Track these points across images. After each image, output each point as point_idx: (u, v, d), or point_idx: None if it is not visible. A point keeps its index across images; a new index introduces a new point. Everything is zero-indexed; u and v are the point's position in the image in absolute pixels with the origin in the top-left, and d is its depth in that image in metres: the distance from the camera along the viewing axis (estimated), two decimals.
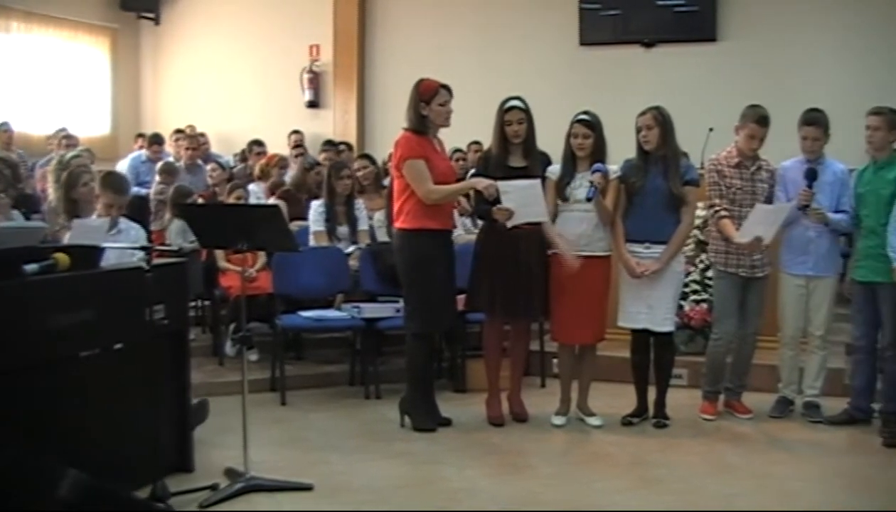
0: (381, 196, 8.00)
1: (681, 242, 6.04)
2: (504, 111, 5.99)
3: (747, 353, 6.38)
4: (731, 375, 6.42)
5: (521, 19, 12.00)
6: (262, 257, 7.51)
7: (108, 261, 5.04)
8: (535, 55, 11.77)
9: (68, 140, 10.20)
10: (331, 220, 7.57)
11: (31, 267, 4.20)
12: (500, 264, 5.98)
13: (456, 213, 6.38)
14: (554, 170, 6.03)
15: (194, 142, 10.84)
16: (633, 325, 6.10)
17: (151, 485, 4.46)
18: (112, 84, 13.57)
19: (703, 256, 7.13)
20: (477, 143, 9.72)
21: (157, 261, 4.78)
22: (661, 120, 5.93)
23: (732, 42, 11.08)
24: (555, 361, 6.73)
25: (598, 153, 5.95)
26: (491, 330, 6.28)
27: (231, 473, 4.94)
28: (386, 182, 8.13)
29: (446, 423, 6.09)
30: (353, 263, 7.28)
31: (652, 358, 6.19)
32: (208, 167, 9.95)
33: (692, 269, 7.21)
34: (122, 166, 10.85)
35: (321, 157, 10.10)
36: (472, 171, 6.61)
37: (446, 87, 5.87)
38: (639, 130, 5.98)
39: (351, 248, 7.43)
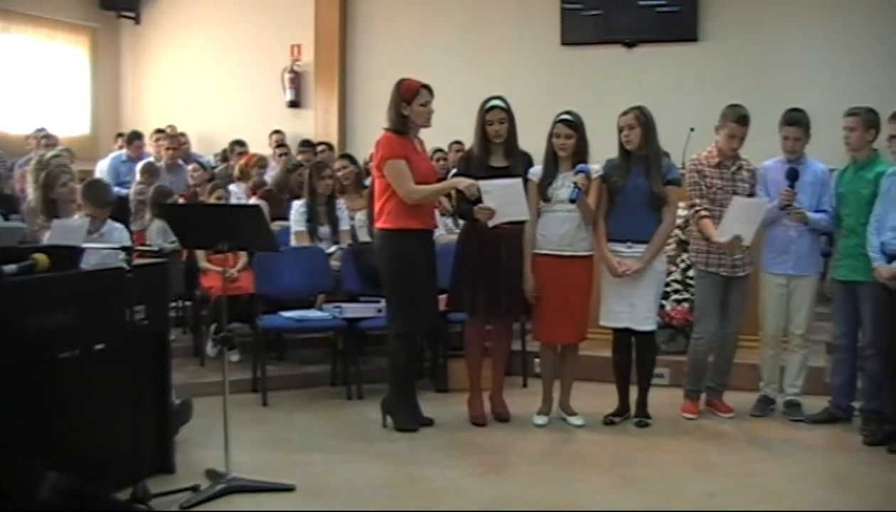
0: (363, 196, 7.98)
1: (662, 242, 6.05)
2: (485, 111, 5.99)
3: (729, 352, 6.40)
4: (712, 374, 6.43)
5: (503, 19, 12.00)
6: (243, 257, 7.48)
7: (90, 262, 5.01)
8: (517, 55, 11.77)
9: (48, 140, 10.13)
10: (312, 220, 7.55)
11: (9, 267, 4.19)
12: (481, 264, 5.98)
13: (437, 212, 6.37)
14: (536, 171, 6.03)
15: (175, 142, 10.80)
16: (614, 324, 6.11)
17: (132, 486, 4.44)
18: (92, 83, 13.49)
19: (685, 256, 7.16)
20: (458, 142, 9.72)
21: (137, 261, 4.76)
22: (643, 120, 5.94)
23: (713, 42, 11.11)
24: (536, 360, 6.72)
25: (581, 153, 5.96)
26: (472, 330, 6.28)
27: (212, 475, 4.92)
28: (367, 182, 8.11)
29: (428, 423, 6.08)
30: (334, 263, 7.27)
31: (634, 357, 6.20)
32: (189, 167, 9.93)
33: (673, 268, 7.23)
34: (102, 166, 10.85)
35: (299, 158, 10.06)
36: (454, 170, 6.61)
37: (427, 88, 5.86)
38: (621, 130, 5.99)
39: (332, 249, 7.42)
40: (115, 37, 13.92)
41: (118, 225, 6.38)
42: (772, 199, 6.12)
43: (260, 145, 11.25)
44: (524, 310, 6.20)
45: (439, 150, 9.84)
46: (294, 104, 13.02)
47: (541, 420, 6.17)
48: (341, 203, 7.79)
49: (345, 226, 7.68)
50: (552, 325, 6.07)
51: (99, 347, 4.64)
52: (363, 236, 7.53)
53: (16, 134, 11.57)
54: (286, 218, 7.83)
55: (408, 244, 5.81)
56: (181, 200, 8.45)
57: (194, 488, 4.72)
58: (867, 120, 5.92)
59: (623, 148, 6.01)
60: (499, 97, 6.02)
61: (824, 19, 10.71)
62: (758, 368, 6.53)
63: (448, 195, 6.47)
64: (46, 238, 5.66)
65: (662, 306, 6.92)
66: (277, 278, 6.91)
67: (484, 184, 5.76)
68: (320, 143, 11.39)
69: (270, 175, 9.66)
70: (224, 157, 11.46)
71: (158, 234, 7.66)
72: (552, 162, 6.00)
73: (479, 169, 5.94)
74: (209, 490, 4.73)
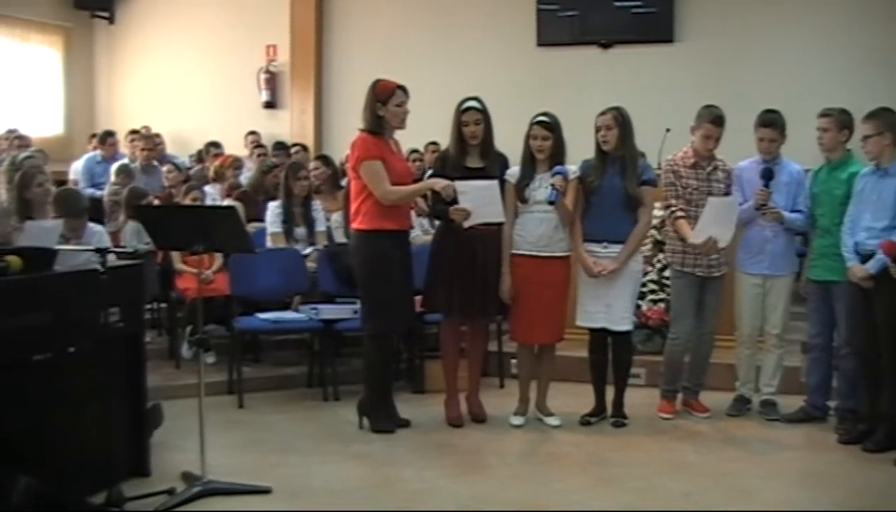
0: (337, 197, 7.96)
1: (638, 242, 6.06)
2: (461, 112, 5.99)
3: (705, 352, 6.42)
4: (688, 374, 6.45)
5: (479, 20, 11.99)
6: (218, 259, 7.45)
7: (71, 265, 4.98)
8: (493, 56, 11.76)
9: (20, 141, 10.06)
10: (288, 221, 7.54)
11: None
12: (456, 265, 5.97)
13: (413, 213, 6.36)
14: (513, 172, 6.03)
15: (150, 142, 10.73)
16: (591, 324, 6.11)
17: (107, 490, 4.41)
18: (65, 84, 13.38)
19: (661, 256, 7.17)
20: (434, 143, 9.72)
21: (111, 263, 4.73)
22: (620, 121, 5.95)
23: (689, 43, 11.14)
24: (513, 361, 6.73)
25: (558, 155, 5.97)
26: (448, 330, 6.28)
27: (188, 477, 4.89)
28: (343, 183, 8.10)
29: (405, 424, 6.08)
30: (310, 264, 7.26)
31: (610, 357, 6.21)
32: (164, 169, 9.87)
33: (650, 268, 7.25)
34: (77, 167, 10.77)
35: (273, 160, 10.02)
36: (430, 171, 6.61)
37: (403, 88, 5.85)
38: (598, 130, 6.00)
39: (308, 250, 7.41)
40: (89, 37, 13.81)
41: (98, 228, 6.36)
42: (747, 199, 6.15)
43: (235, 146, 11.20)
44: (500, 310, 6.21)
45: (415, 151, 9.83)
46: (270, 105, 12.96)
47: (517, 421, 6.17)
48: (317, 204, 7.78)
49: (321, 227, 7.67)
50: (529, 325, 6.07)
51: (73, 349, 4.60)
52: (339, 237, 7.51)
53: None
54: (262, 219, 7.82)
55: (383, 245, 5.80)
56: (156, 202, 8.41)
57: (170, 491, 4.69)
58: (840, 121, 5.95)
59: (599, 148, 6.01)
60: (475, 98, 6.02)
61: (799, 21, 10.76)
62: (734, 368, 6.56)
63: (424, 196, 6.46)
64: (20, 240, 5.61)
65: (639, 306, 6.93)
66: (253, 280, 6.88)
67: (460, 185, 5.76)
68: (294, 145, 11.37)
69: (246, 176, 9.62)
70: (199, 158, 11.41)
71: (133, 236, 7.61)
72: (529, 163, 6.00)
73: (454, 170, 5.93)
74: (185, 493, 4.70)
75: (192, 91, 13.10)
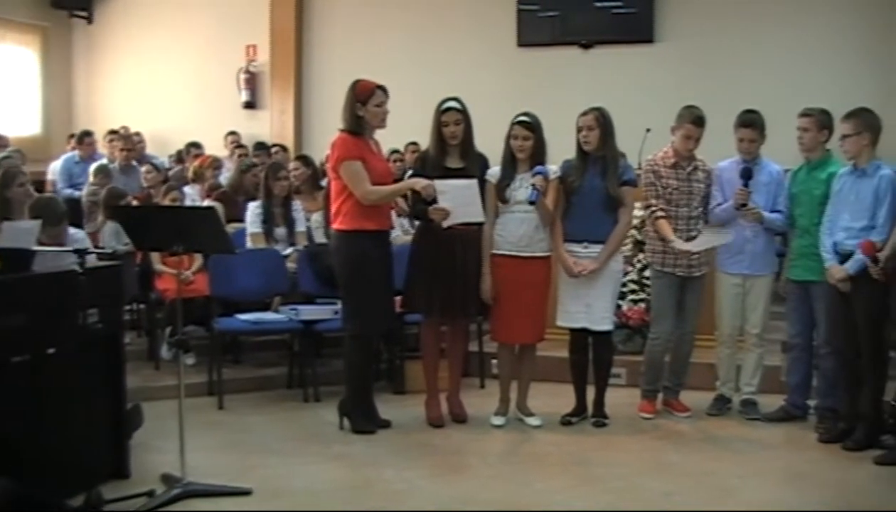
0: (318, 197, 7.95)
1: (618, 242, 6.07)
2: (441, 112, 5.98)
3: (685, 351, 6.44)
4: (669, 374, 6.47)
5: (460, 20, 11.99)
6: (198, 259, 7.42)
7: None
8: (474, 56, 11.75)
9: None
10: (268, 221, 7.52)
11: None
12: (437, 265, 5.97)
13: (394, 213, 6.36)
14: (493, 172, 6.03)
15: (129, 142, 10.69)
16: (571, 324, 6.11)
17: (86, 492, 4.39)
18: (43, 84, 13.29)
19: (641, 256, 7.18)
20: (414, 143, 9.71)
21: (90, 264, 4.71)
22: (602, 121, 5.96)
23: (669, 43, 11.17)
24: (494, 361, 6.72)
25: (538, 155, 5.96)
26: (428, 331, 6.27)
27: (168, 479, 4.86)
28: (323, 183, 8.08)
29: (385, 425, 6.06)
30: (290, 264, 7.24)
31: (590, 357, 6.21)
32: (143, 169, 9.82)
33: (630, 268, 7.26)
34: (55, 167, 10.71)
35: (255, 161, 9.98)
36: (410, 171, 6.60)
37: (382, 88, 5.84)
38: (580, 130, 6.00)
39: (288, 250, 7.39)
40: (67, 36, 13.74)
41: (80, 235, 6.32)
42: (727, 199, 6.17)
43: (215, 147, 11.18)
44: (480, 311, 6.20)
45: (396, 151, 9.83)
46: (249, 105, 12.93)
47: (498, 421, 6.17)
48: (297, 204, 7.76)
49: (301, 227, 7.65)
50: (510, 325, 6.07)
51: (51, 350, 4.57)
52: (319, 238, 7.49)
53: None
54: (241, 220, 7.79)
55: (364, 245, 5.79)
56: (135, 202, 8.37)
57: (150, 493, 4.66)
58: (821, 121, 5.98)
59: (580, 148, 6.02)
60: (454, 98, 6.01)
61: (779, 22, 10.79)
62: (714, 368, 6.57)
63: (405, 196, 6.46)
64: None
65: (619, 306, 6.93)
66: (233, 280, 6.86)
67: (440, 184, 5.76)
68: (274, 145, 11.33)
69: (226, 177, 9.59)
70: (179, 158, 11.37)
71: (112, 237, 7.57)
72: (510, 163, 6.00)
73: (434, 170, 5.93)
74: (165, 495, 4.67)
75: (172, 91, 13.04)
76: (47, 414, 4.47)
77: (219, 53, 12.84)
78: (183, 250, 4.94)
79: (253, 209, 7.59)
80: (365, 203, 5.74)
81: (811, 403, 6.22)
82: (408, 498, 4.83)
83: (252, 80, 12.92)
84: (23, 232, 5.62)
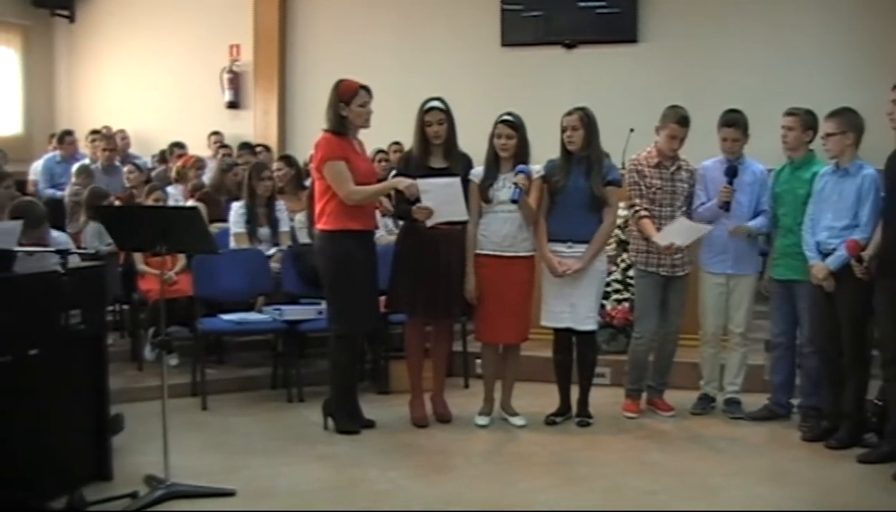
0: (302, 197, 7.93)
1: (603, 242, 6.08)
2: (424, 112, 5.98)
3: (669, 351, 6.45)
4: (653, 373, 6.48)
5: (443, 20, 11.98)
6: (181, 260, 7.40)
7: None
8: (457, 56, 11.74)
9: None
10: (251, 221, 7.50)
11: None
12: (421, 265, 5.97)
13: (378, 213, 6.36)
14: (477, 172, 6.03)
15: (111, 142, 10.63)
16: (555, 324, 6.12)
17: (68, 495, 4.37)
18: (24, 83, 13.20)
19: (625, 256, 7.19)
20: (397, 143, 9.70)
21: (73, 264, 4.68)
22: (586, 121, 5.97)
23: (653, 43, 11.18)
24: (478, 361, 6.72)
25: (522, 154, 5.97)
26: (413, 331, 6.27)
27: (151, 481, 4.84)
28: (307, 183, 8.07)
29: (370, 425, 6.06)
30: (274, 264, 7.23)
31: (574, 357, 6.21)
32: (125, 169, 9.78)
33: (614, 268, 7.27)
34: (36, 167, 10.65)
35: (239, 161, 9.96)
36: (393, 171, 6.59)
37: (366, 88, 5.83)
38: (564, 130, 6.00)
39: (272, 250, 7.37)
40: (49, 35, 13.67)
41: (63, 238, 6.28)
42: (711, 198, 6.19)
43: (198, 147, 11.13)
44: (464, 310, 6.20)
45: (382, 151, 9.81)
46: (233, 105, 12.89)
47: (483, 421, 6.17)
48: (281, 204, 7.74)
49: (285, 227, 7.64)
50: (494, 325, 6.07)
51: (33, 351, 4.54)
52: (303, 238, 7.49)
53: None
54: (224, 219, 7.77)
55: (348, 245, 5.78)
56: (117, 203, 8.34)
57: (133, 495, 4.64)
58: (805, 121, 6.00)
59: (565, 148, 6.02)
60: (437, 98, 6.01)
61: (762, 22, 10.81)
62: (698, 367, 6.58)
63: (389, 196, 6.46)
64: None
65: (603, 306, 6.95)
66: (217, 281, 6.84)
67: (422, 183, 5.75)
68: (258, 145, 11.31)
69: (209, 177, 9.55)
70: (162, 158, 11.32)
71: (94, 237, 7.55)
72: (493, 163, 6.00)
73: (418, 170, 5.93)
74: (148, 497, 4.65)
75: (155, 91, 12.99)
76: (29, 415, 4.44)
77: (202, 53, 12.79)
78: (166, 251, 4.91)
79: (236, 209, 7.56)
80: (348, 203, 5.73)
81: (794, 401, 6.24)
82: (392, 498, 4.82)
83: (235, 80, 12.89)
84: (4, 233, 5.58)
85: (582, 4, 11.32)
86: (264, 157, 10.34)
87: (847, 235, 5.54)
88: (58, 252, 4.76)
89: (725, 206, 6.10)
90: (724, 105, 6.40)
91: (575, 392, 6.25)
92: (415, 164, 5.99)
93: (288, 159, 8.68)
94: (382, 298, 6.18)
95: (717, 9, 10.96)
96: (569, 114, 6.02)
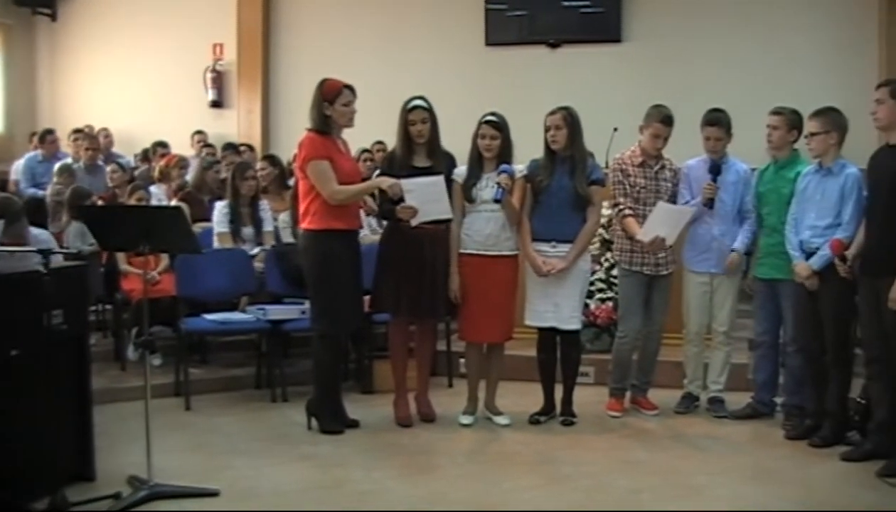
0: (285, 197, 7.91)
1: (587, 241, 6.08)
2: (407, 111, 5.98)
3: (653, 350, 6.46)
4: (637, 372, 6.49)
5: (427, 20, 11.98)
6: (164, 259, 7.38)
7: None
8: (441, 55, 11.74)
9: None
10: (235, 221, 7.48)
11: None
12: (404, 265, 5.96)
13: (362, 213, 6.36)
14: (460, 172, 6.03)
15: (94, 142, 10.58)
16: (539, 323, 6.12)
17: (50, 495, 4.34)
18: (5, 82, 13.15)
19: (609, 255, 7.20)
20: (380, 142, 9.69)
21: (55, 264, 4.66)
22: (570, 121, 5.97)
23: (637, 43, 11.21)
24: (462, 360, 6.73)
25: (505, 154, 5.97)
26: (396, 330, 6.26)
27: (134, 481, 4.82)
28: (290, 183, 8.05)
29: (354, 424, 6.05)
30: (258, 264, 7.21)
31: (558, 356, 6.22)
32: (108, 168, 9.74)
33: (597, 267, 7.28)
34: (18, 167, 10.59)
35: (224, 161, 9.92)
36: (377, 171, 6.59)
37: (350, 88, 5.83)
38: (547, 129, 6.01)
39: (256, 250, 7.36)
40: (31, 34, 13.58)
41: (44, 236, 6.25)
42: (695, 197, 6.20)
43: (181, 146, 11.10)
44: (448, 310, 6.20)
45: (366, 150, 9.80)
46: (216, 104, 12.85)
47: (467, 420, 6.17)
48: (265, 204, 7.72)
49: (268, 227, 7.62)
50: (478, 324, 6.07)
51: (15, 352, 4.50)
52: (287, 237, 7.47)
53: None
54: (208, 219, 7.74)
55: (332, 245, 5.77)
56: (100, 202, 8.30)
57: (116, 496, 4.62)
58: (790, 120, 6.02)
59: (548, 147, 6.03)
60: (421, 97, 6.01)
61: (746, 21, 10.85)
62: (682, 366, 6.60)
63: (373, 195, 6.45)
64: None
65: (587, 305, 6.95)
66: (200, 280, 6.82)
67: (406, 182, 5.75)
68: (241, 145, 11.26)
69: (192, 176, 9.52)
70: (145, 157, 11.27)
71: (76, 237, 7.51)
72: (477, 163, 6.00)
73: (401, 169, 5.93)
74: (131, 497, 4.63)
75: (137, 90, 12.92)
76: (11, 416, 4.41)
77: (185, 52, 12.73)
78: (149, 250, 4.91)
79: (220, 209, 7.54)
80: (332, 203, 5.72)
81: (778, 400, 6.26)
82: (376, 498, 4.81)
83: (219, 79, 12.85)
84: None
85: (566, 4, 11.35)
86: (248, 156, 10.30)
87: (830, 235, 5.55)
88: (40, 252, 4.73)
89: (709, 203, 6.12)
90: (707, 104, 6.42)
91: (559, 391, 6.25)
92: (398, 163, 5.99)
93: (272, 159, 8.67)
94: (366, 298, 6.17)
95: (700, 8, 11.01)
96: (552, 113, 6.02)
